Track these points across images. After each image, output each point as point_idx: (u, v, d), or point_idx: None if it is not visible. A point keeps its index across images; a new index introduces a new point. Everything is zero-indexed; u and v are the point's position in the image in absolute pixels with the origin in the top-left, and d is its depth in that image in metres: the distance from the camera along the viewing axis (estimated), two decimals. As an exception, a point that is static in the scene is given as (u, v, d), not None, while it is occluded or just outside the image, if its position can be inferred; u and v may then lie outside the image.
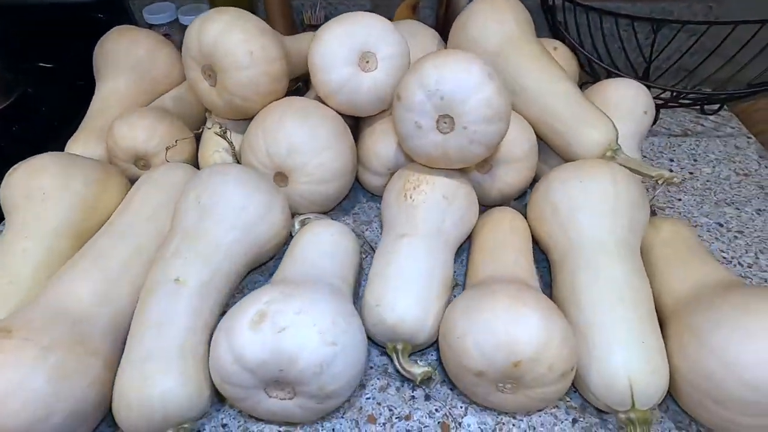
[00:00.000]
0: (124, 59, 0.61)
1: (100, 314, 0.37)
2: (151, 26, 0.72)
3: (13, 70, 0.72)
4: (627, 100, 0.55)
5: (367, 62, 0.48)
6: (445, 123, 0.40)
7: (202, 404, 0.35)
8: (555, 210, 0.43)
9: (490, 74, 0.38)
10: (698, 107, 0.71)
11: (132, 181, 0.51)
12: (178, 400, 0.34)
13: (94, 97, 0.62)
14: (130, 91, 0.61)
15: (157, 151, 0.53)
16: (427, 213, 0.43)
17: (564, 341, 0.32)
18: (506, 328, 0.32)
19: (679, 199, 0.57)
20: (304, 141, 0.46)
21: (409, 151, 0.43)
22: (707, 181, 0.60)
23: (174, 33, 0.73)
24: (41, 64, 0.75)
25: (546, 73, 0.51)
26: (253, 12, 0.78)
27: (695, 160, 0.63)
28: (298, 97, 0.51)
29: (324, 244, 0.42)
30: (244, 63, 0.47)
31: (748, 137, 0.67)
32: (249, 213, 0.42)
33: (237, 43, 0.47)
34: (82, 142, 0.56)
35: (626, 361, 0.34)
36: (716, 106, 0.70)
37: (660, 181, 0.45)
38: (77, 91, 0.66)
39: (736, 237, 0.52)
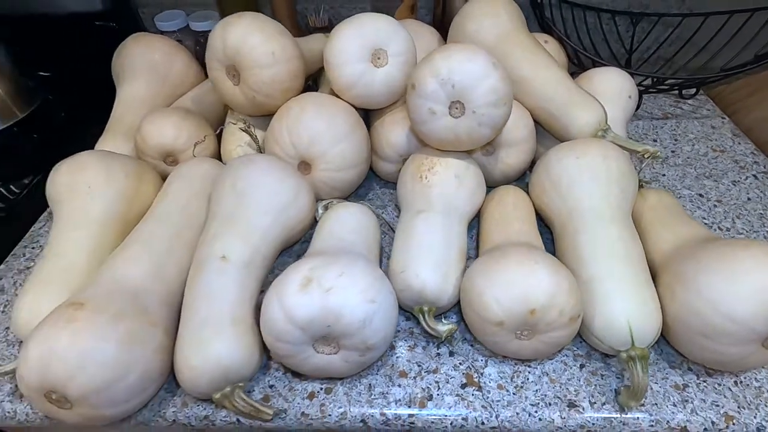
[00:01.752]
0: (140, 64, 0.65)
1: (154, 290, 0.41)
2: (163, 33, 0.76)
3: (33, 78, 0.75)
4: (612, 86, 0.61)
5: (379, 58, 0.53)
6: (456, 108, 0.44)
7: (253, 365, 0.39)
8: (555, 184, 0.48)
9: (495, 63, 0.43)
10: (677, 92, 0.77)
11: (161, 176, 0.55)
12: (233, 360, 0.37)
13: (116, 101, 0.65)
14: (150, 93, 0.65)
15: (184, 148, 0.57)
16: (441, 191, 0.47)
17: (571, 290, 0.37)
18: (521, 281, 0.37)
19: (664, 175, 0.63)
20: (324, 132, 0.51)
21: (422, 135, 0.48)
22: (688, 157, 0.65)
23: (185, 39, 0.77)
24: (59, 72, 0.79)
25: (539, 64, 0.56)
26: (260, 16, 0.83)
27: (676, 140, 0.69)
28: (315, 92, 0.55)
29: (349, 222, 0.47)
30: (266, 62, 0.51)
31: (722, 118, 0.73)
32: (281, 197, 0.47)
33: (259, 44, 0.51)
34: (110, 143, 0.60)
35: (624, 306, 0.39)
36: (693, 91, 0.76)
37: (646, 155, 0.50)
38: (93, 97, 0.70)
39: (715, 206, 0.58)
